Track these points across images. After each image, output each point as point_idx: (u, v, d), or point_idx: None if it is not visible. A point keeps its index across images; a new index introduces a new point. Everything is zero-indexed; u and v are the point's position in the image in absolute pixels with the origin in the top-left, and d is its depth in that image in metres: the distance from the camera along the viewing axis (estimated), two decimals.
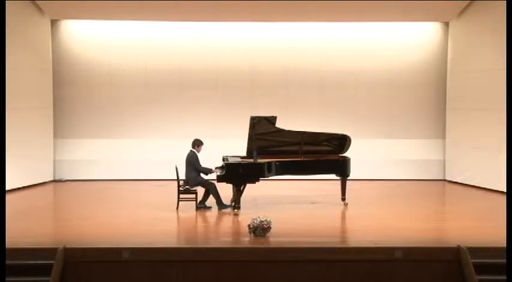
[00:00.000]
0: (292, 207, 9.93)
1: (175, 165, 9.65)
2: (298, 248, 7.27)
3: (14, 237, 7.44)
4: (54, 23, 12.58)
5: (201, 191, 9.60)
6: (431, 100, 12.99)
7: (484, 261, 7.02)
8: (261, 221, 7.63)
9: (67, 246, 7.02)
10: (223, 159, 9.79)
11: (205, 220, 9.14)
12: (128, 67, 12.74)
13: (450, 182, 12.66)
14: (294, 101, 12.82)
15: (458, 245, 7.15)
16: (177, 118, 12.79)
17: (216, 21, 12.61)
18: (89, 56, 12.68)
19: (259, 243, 7.42)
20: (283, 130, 9.83)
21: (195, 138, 9.68)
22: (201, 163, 9.55)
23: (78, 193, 11.40)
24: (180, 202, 9.49)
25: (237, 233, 8.18)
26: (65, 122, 12.74)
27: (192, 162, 9.50)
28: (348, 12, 11.98)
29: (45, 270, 6.75)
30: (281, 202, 10.29)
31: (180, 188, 9.49)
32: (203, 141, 9.66)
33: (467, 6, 12.02)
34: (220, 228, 8.75)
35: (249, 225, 7.70)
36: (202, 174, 9.56)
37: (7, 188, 10.45)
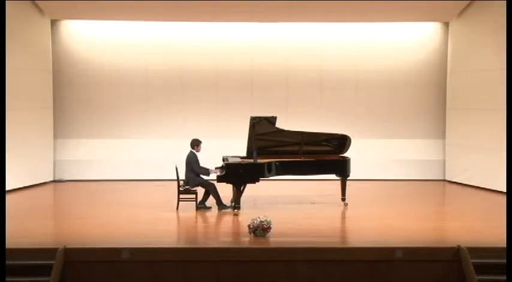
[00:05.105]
0: (292, 207, 9.93)
1: (175, 165, 9.64)
2: (298, 248, 7.27)
3: (14, 237, 7.45)
4: (54, 23, 12.57)
5: (201, 191, 9.59)
6: (431, 100, 12.99)
7: (484, 261, 7.02)
8: (261, 221, 7.63)
9: (67, 246, 7.02)
10: (223, 159, 9.78)
11: (205, 220, 9.14)
12: (128, 67, 12.73)
13: (450, 182, 12.65)
14: (294, 101, 12.82)
15: (458, 245, 7.16)
16: (177, 118, 12.79)
17: (216, 21, 12.60)
18: (89, 56, 12.68)
19: (259, 243, 7.42)
20: (283, 130, 9.82)
21: (193, 138, 9.67)
22: (200, 163, 9.53)
23: (78, 193, 11.39)
24: (180, 202, 9.49)
25: (237, 233, 8.18)
26: (65, 122, 12.74)
27: (190, 163, 9.48)
28: (348, 12, 11.98)
29: (45, 270, 6.76)
30: (281, 202, 10.29)
31: (180, 188, 9.49)
32: (201, 140, 9.64)
33: (467, 6, 12.02)
34: (220, 228, 8.74)
35: (249, 226, 7.70)
36: (201, 175, 9.55)
37: (7, 188, 10.46)
